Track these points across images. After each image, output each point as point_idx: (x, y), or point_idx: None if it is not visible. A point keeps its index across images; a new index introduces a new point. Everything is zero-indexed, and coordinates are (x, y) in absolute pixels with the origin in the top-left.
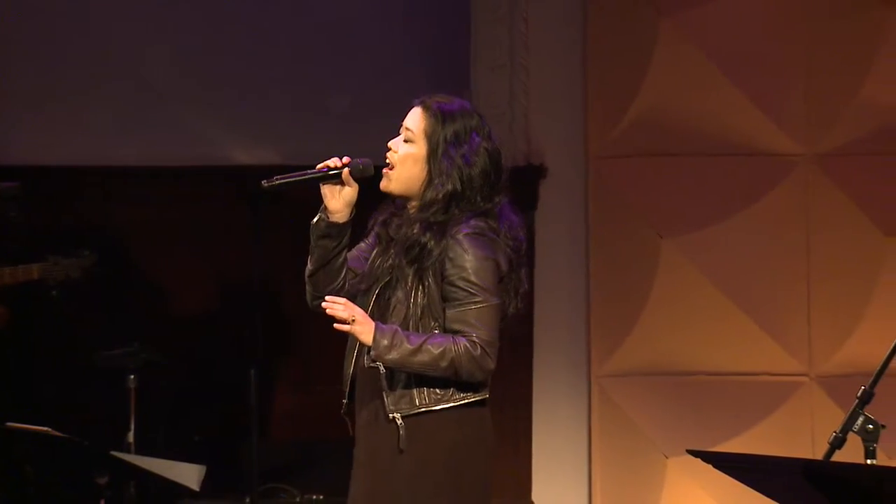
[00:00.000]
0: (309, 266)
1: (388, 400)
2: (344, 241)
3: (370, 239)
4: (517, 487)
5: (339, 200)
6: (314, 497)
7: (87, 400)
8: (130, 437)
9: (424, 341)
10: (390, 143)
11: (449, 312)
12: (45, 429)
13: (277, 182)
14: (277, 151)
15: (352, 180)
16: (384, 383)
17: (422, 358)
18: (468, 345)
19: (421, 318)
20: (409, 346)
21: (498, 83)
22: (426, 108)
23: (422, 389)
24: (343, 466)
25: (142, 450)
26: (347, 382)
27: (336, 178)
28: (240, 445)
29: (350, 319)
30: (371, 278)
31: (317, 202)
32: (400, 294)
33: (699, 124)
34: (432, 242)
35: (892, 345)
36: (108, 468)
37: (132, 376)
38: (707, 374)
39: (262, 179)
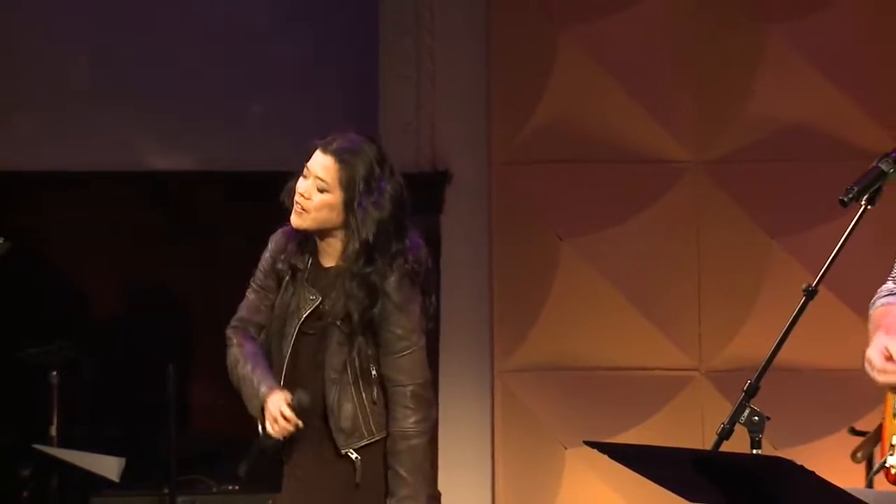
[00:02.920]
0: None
1: (338, 438)
2: None
3: (265, 279)
4: None
5: None
6: (230, 487)
7: (10, 395)
8: (53, 430)
9: (412, 460)
10: (301, 190)
11: (385, 359)
12: None
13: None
14: (192, 157)
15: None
16: (333, 422)
17: (424, 466)
18: (413, 400)
19: (360, 365)
20: (415, 480)
21: (405, 92)
22: (334, 156)
23: (368, 420)
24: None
25: (64, 443)
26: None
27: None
28: (158, 438)
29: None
30: (292, 316)
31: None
32: (339, 339)
33: (596, 132)
34: (368, 296)
35: (777, 341)
36: (32, 461)
37: (54, 373)
38: (604, 369)
39: (177, 188)
